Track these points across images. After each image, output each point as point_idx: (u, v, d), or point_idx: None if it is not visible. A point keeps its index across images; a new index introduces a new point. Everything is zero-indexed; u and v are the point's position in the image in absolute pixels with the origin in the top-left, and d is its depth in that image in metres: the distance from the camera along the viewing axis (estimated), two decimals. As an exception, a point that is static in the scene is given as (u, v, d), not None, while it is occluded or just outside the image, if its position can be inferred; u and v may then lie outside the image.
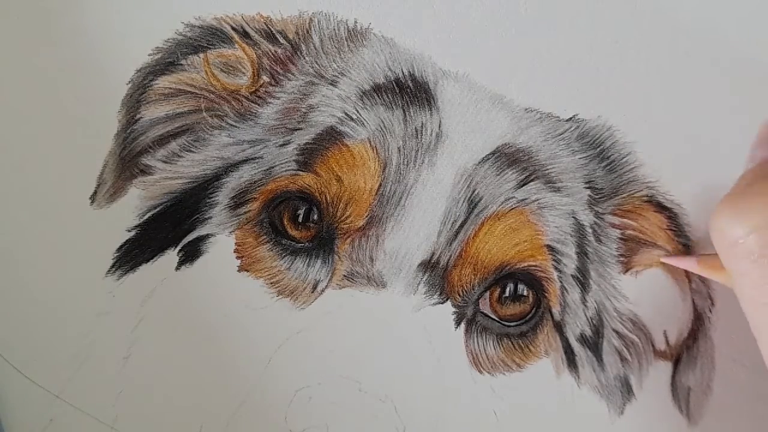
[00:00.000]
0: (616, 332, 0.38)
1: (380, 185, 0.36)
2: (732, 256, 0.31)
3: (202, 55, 0.37)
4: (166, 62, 0.37)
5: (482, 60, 0.37)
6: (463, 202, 0.36)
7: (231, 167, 0.37)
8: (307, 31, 0.37)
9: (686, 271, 0.38)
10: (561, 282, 0.37)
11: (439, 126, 0.36)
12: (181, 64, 0.37)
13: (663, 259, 0.38)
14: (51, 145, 0.38)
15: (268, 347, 0.37)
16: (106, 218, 0.38)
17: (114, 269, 0.38)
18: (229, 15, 0.37)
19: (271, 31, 0.37)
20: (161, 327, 0.38)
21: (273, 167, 0.37)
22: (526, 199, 0.36)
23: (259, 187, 0.37)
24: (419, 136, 0.36)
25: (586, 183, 0.38)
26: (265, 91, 0.37)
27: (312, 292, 0.37)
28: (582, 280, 0.37)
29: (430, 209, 0.36)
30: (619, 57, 0.37)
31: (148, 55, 0.37)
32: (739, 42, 0.37)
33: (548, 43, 0.37)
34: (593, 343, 0.38)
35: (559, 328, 0.38)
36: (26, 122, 0.38)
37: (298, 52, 0.37)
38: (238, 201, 0.37)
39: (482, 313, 0.37)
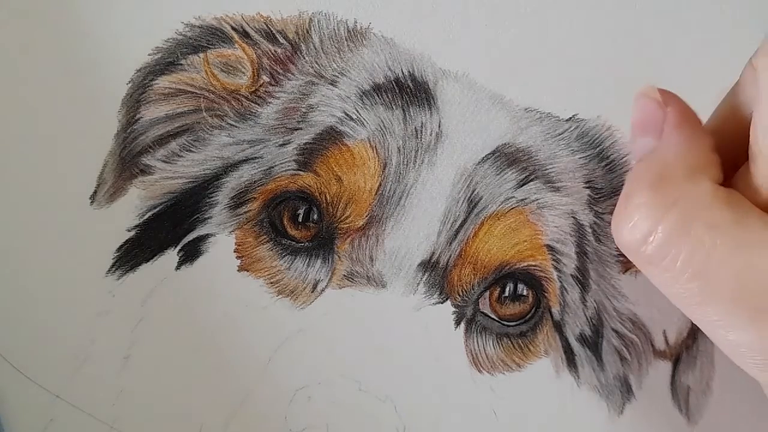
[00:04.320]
0: (616, 332, 0.38)
1: (380, 185, 0.36)
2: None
3: (202, 54, 0.37)
4: (166, 62, 0.37)
5: (482, 60, 0.37)
6: (463, 201, 0.36)
7: (231, 167, 0.37)
8: (307, 31, 0.37)
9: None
10: (560, 282, 0.37)
11: (439, 126, 0.36)
12: (181, 64, 0.37)
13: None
14: (51, 145, 0.38)
15: (268, 347, 0.37)
16: (106, 218, 0.37)
17: (114, 269, 0.38)
18: (229, 15, 0.37)
19: (271, 31, 0.37)
20: (161, 327, 0.38)
21: (273, 167, 0.37)
22: (525, 198, 0.36)
23: (259, 186, 0.37)
24: (419, 136, 0.36)
25: (586, 183, 0.38)
26: (265, 91, 0.37)
27: (312, 291, 0.37)
28: (581, 279, 0.37)
29: (430, 209, 0.36)
30: (619, 57, 0.37)
31: (148, 55, 0.37)
32: (739, 41, 0.37)
33: (548, 43, 0.37)
34: (593, 343, 0.38)
35: (558, 327, 0.37)
36: (26, 122, 0.38)
37: (298, 52, 0.37)
38: (238, 201, 0.37)
39: (482, 312, 0.37)
